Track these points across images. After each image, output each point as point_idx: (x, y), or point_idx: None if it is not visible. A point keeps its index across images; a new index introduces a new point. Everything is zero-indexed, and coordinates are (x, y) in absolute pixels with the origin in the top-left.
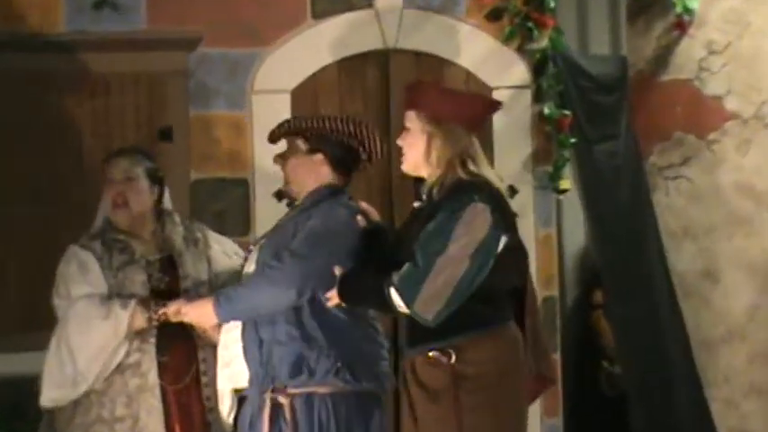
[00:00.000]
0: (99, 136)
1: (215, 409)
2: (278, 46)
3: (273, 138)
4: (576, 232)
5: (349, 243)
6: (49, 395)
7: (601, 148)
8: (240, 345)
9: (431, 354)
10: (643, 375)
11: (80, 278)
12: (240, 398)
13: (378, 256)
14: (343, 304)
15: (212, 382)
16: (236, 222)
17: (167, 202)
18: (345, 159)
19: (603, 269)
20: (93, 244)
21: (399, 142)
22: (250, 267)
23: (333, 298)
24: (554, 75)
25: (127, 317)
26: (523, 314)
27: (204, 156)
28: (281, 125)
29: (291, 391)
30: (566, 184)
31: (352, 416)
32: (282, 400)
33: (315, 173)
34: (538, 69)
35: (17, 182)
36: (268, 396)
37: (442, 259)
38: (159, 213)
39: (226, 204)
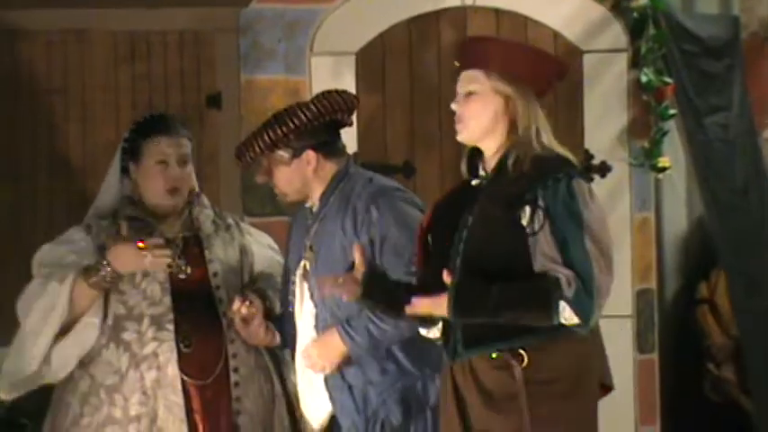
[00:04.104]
0: (138, 104)
1: (245, 411)
2: (342, 2)
3: (246, 164)
4: (678, 216)
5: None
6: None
7: (710, 121)
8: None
9: (495, 355)
10: None
11: (59, 249)
12: None
13: None
14: (448, 316)
15: (244, 381)
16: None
17: (194, 180)
18: (333, 138)
19: (723, 258)
20: (101, 223)
21: (456, 107)
22: (302, 305)
23: (425, 306)
24: (654, 37)
25: (66, 292)
26: None
27: (258, 126)
28: (249, 149)
29: None
30: (665, 161)
31: None
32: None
33: (313, 173)
34: (635, 30)
35: (44, 154)
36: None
37: (594, 254)
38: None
39: None
